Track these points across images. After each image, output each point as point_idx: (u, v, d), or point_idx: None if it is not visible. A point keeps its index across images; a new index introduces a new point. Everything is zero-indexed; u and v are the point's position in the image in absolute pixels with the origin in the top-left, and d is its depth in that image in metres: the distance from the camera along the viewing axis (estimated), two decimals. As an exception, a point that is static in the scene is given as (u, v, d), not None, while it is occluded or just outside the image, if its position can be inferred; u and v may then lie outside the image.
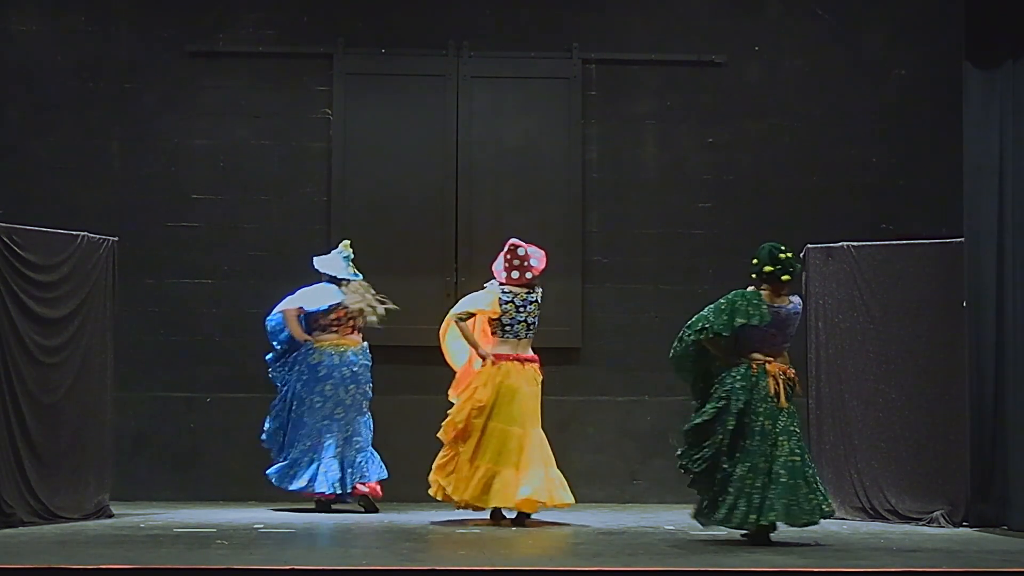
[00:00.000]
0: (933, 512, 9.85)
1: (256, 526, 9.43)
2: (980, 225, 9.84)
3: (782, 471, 8.53)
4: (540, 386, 9.86)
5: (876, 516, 10.06)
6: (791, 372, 8.78)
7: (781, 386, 8.67)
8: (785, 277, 8.78)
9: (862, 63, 11.78)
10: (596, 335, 11.58)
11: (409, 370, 11.43)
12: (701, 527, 8.86)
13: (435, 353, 11.28)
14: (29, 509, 9.38)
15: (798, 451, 8.62)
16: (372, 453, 10.51)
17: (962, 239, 9.92)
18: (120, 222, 11.01)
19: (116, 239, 10.15)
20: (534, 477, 9.63)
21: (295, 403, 10.47)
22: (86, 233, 9.94)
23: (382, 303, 10.59)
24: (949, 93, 10.67)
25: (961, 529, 9.64)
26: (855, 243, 10.41)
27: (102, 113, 11.54)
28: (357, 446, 10.45)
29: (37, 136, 11.49)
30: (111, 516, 9.90)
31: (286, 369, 10.54)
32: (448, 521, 9.91)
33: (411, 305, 11.31)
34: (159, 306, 11.47)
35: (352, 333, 10.56)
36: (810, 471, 8.65)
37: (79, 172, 11.49)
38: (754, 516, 8.52)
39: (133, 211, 11.43)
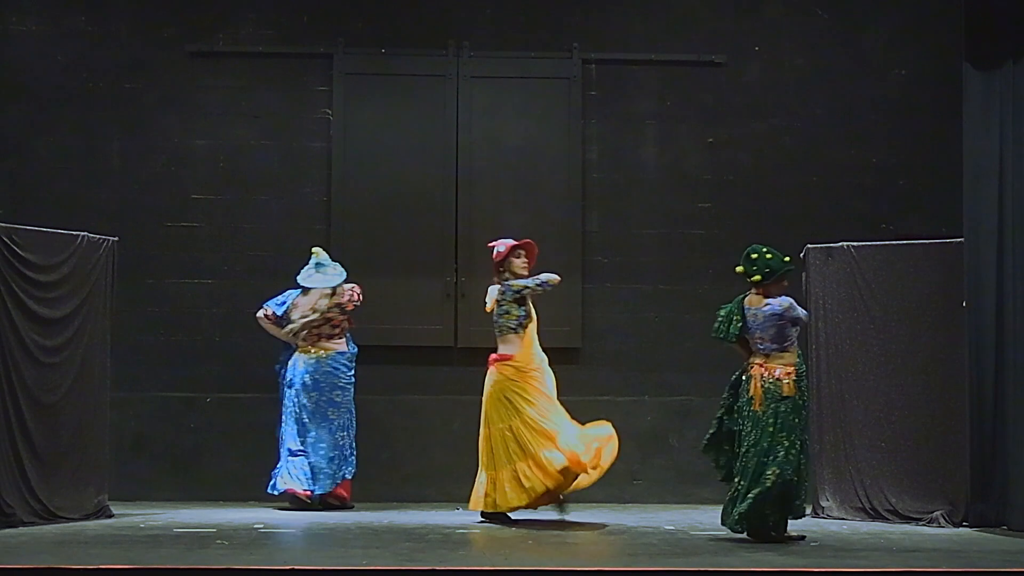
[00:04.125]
0: (933, 512, 9.85)
1: (256, 526, 9.43)
2: (980, 225, 9.84)
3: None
4: (505, 379, 9.78)
5: (876, 516, 10.06)
6: (781, 373, 8.80)
7: (759, 388, 8.71)
8: (756, 277, 8.87)
9: (862, 63, 11.77)
10: (596, 335, 11.58)
11: (409, 370, 11.43)
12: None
13: (435, 353, 11.32)
14: (29, 509, 9.39)
15: (761, 453, 8.70)
16: (331, 461, 10.50)
17: (962, 239, 9.92)
18: (120, 222, 11.02)
19: (116, 239, 10.15)
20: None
21: (280, 408, 10.64)
22: (86, 233, 9.94)
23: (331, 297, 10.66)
24: (949, 93, 10.66)
25: (961, 529, 9.64)
26: (855, 243, 10.41)
27: (102, 113, 11.54)
28: (320, 452, 10.47)
29: (37, 136, 11.48)
30: (111, 516, 9.90)
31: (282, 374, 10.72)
32: (448, 521, 9.91)
33: (411, 305, 11.32)
34: (159, 306, 11.46)
35: (320, 341, 10.58)
36: (752, 482, 8.71)
37: (79, 172, 11.49)
38: (740, 525, 8.73)
39: (133, 211, 11.43)
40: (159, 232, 11.47)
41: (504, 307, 9.85)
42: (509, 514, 9.72)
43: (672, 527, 9.64)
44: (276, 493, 10.47)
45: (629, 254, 11.66)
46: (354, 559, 7.79)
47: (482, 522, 9.72)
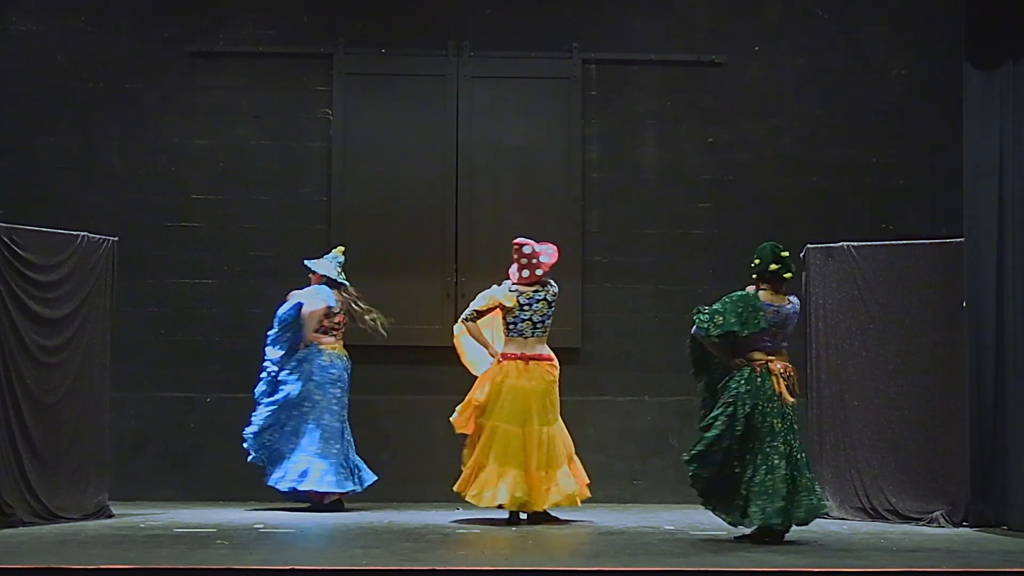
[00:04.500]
0: (933, 512, 9.85)
1: (256, 526, 9.43)
2: (980, 225, 9.84)
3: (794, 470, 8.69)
4: (551, 383, 9.85)
5: (876, 516, 10.06)
6: (792, 369, 8.84)
7: (782, 384, 8.71)
8: (788, 275, 8.92)
9: (862, 63, 11.78)
10: (596, 335, 11.58)
11: (409, 370, 11.43)
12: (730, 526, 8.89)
13: (435, 353, 11.30)
14: (29, 509, 9.39)
15: (798, 449, 8.70)
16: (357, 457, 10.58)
17: (962, 239, 9.92)
18: (120, 222, 11.01)
19: (116, 239, 10.15)
20: (536, 479, 9.70)
21: (306, 404, 10.44)
22: (86, 233, 9.94)
23: (369, 313, 10.64)
24: (949, 93, 10.67)
25: (961, 529, 9.64)
26: (855, 243, 10.41)
27: (102, 113, 11.54)
28: (353, 449, 10.51)
29: (37, 136, 11.49)
30: (111, 516, 9.90)
31: (291, 369, 10.51)
32: (448, 521, 9.91)
33: (411, 305, 11.32)
34: (159, 306, 11.46)
35: (343, 339, 10.61)
36: (808, 471, 8.73)
37: (79, 172, 11.50)
38: (780, 519, 8.60)
39: (133, 211, 11.43)
40: (159, 232, 11.48)
41: (554, 307, 9.90)
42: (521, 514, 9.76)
43: (672, 527, 9.64)
44: (326, 491, 10.29)
45: (629, 254, 11.67)
46: (354, 559, 7.79)
47: (508, 521, 9.72)
